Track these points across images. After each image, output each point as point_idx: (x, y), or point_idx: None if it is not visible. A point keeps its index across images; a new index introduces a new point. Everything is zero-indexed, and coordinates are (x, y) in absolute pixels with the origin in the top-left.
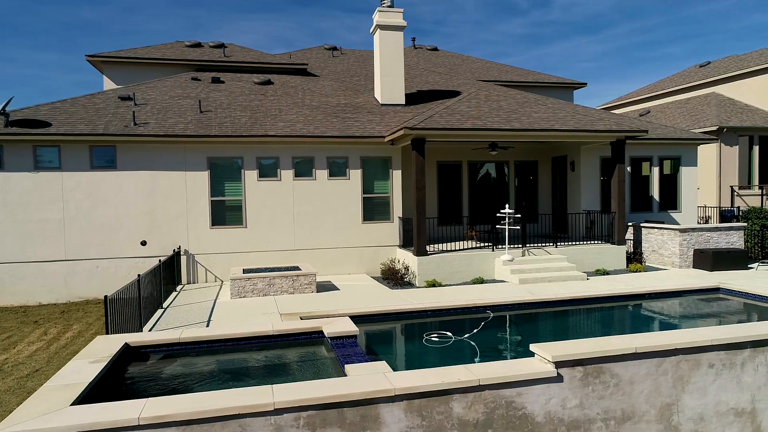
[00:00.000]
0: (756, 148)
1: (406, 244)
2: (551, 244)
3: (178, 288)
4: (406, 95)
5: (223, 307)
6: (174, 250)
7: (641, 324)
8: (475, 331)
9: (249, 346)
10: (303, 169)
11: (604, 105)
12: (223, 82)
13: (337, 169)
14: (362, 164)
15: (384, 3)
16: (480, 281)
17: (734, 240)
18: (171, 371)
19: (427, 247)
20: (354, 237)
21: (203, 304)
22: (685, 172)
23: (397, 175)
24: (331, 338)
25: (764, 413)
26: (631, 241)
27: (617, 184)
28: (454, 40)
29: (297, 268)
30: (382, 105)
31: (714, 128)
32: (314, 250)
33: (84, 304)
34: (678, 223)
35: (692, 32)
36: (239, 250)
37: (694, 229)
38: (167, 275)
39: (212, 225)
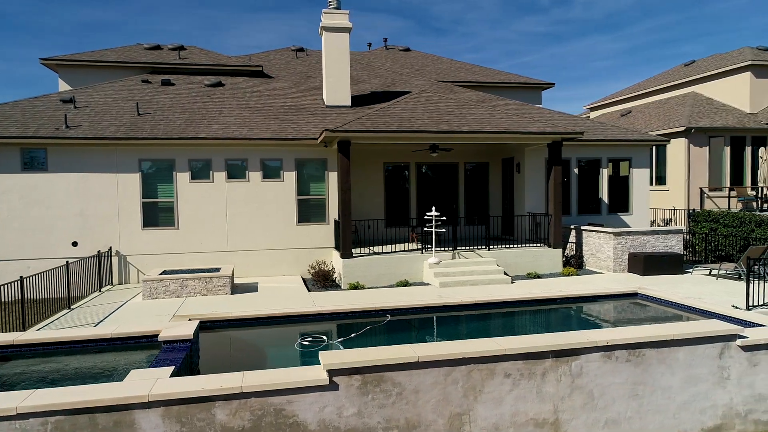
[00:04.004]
0: (727, 149)
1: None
2: (484, 247)
3: (104, 289)
4: (358, 96)
5: (129, 309)
6: (99, 251)
7: (528, 328)
8: (353, 335)
9: (87, 349)
10: (236, 171)
11: (590, 105)
12: (173, 84)
13: (271, 171)
14: (297, 166)
15: (330, 5)
16: (405, 284)
17: (673, 244)
18: None
19: (361, 249)
20: (289, 239)
21: (113, 305)
22: (636, 173)
23: (333, 177)
24: (165, 342)
25: (569, 424)
26: (574, 244)
27: (553, 187)
28: (472, 39)
29: (217, 270)
30: (327, 107)
31: (682, 129)
32: (248, 251)
33: (10, 304)
34: (628, 226)
35: (711, 30)
36: (171, 251)
37: (629, 233)
38: (87, 276)
39: (144, 226)
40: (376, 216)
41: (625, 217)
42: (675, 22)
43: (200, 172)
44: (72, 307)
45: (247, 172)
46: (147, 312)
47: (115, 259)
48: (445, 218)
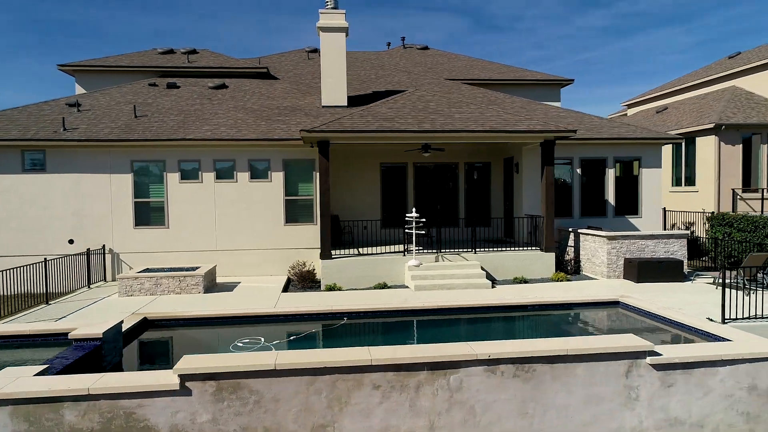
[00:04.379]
0: (764, 147)
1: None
2: (470, 249)
3: (94, 285)
4: (359, 96)
5: (100, 305)
6: (88, 249)
7: (479, 334)
8: (292, 338)
9: (7, 344)
10: (224, 172)
11: (628, 101)
12: (178, 87)
13: (259, 172)
14: (285, 166)
15: (327, 5)
16: (383, 286)
17: (675, 249)
18: None
19: (350, 250)
20: (277, 239)
21: (89, 301)
22: (646, 174)
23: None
24: (75, 340)
25: None
26: (572, 248)
27: (545, 187)
28: (531, 36)
29: (194, 269)
30: (323, 107)
31: (711, 126)
32: (235, 251)
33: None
34: (637, 229)
35: None
36: (162, 250)
37: (625, 237)
38: (78, 272)
39: (136, 225)
40: (372, 217)
41: (633, 220)
42: (755, 12)
43: (189, 172)
44: (50, 302)
45: (235, 172)
46: (114, 309)
47: (108, 257)
48: (424, 219)
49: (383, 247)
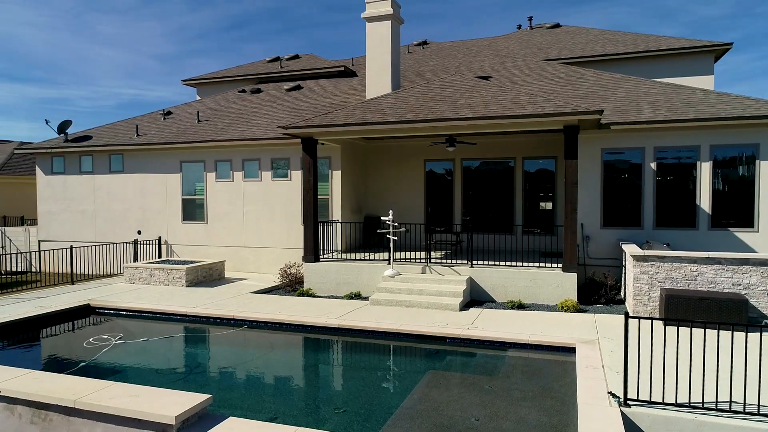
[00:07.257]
0: None
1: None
2: (466, 262)
3: None
4: (411, 88)
5: (98, 289)
6: (135, 240)
7: (345, 362)
8: (143, 339)
9: None
10: (250, 171)
11: None
12: (261, 91)
13: (280, 170)
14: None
15: None
16: (355, 296)
17: (752, 281)
18: None
19: (334, 254)
20: (294, 237)
21: (101, 285)
22: (767, 168)
23: (336, 176)
24: None
25: None
26: (624, 269)
27: (568, 187)
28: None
29: (185, 263)
30: (367, 101)
31: None
32: (258, 248)
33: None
34: (752, 250)
35: None
36: (202, 243)
37: (663, 258)
38: (126, 258)
39: (183, 220)
40: (416, 219)
41: (743, 235)
42: None
43: (223, 172)
44: (75, 282)
45: (259, 171)
46: (88, 294)
47: (164, 247)
48: (397, 224)
49: (407, 253)
